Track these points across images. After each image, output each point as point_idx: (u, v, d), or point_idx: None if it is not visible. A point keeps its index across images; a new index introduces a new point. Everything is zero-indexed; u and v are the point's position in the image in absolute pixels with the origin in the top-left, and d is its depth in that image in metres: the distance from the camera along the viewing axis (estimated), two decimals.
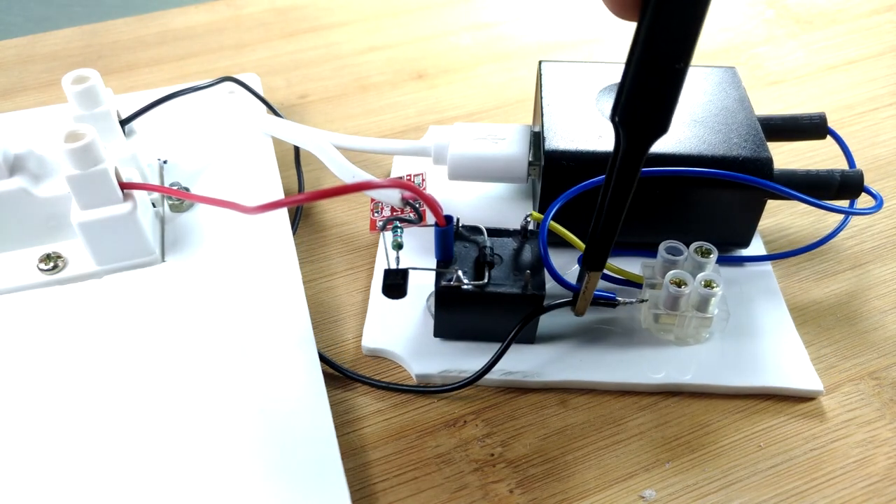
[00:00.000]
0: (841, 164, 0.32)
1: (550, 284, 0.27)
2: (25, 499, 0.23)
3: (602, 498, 0.24)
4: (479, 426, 0.26)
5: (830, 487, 0.25)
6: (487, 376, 0.27)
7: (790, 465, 0.25)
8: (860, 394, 0.27)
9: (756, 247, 0.32)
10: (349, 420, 0.26)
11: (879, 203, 0.30)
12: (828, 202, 0.29)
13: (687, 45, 0.19)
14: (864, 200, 0.31)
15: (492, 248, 0.27)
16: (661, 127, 0.21)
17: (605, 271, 0.28)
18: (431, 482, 0.25)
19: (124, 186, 0.27)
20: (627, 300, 0.28)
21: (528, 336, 0.28)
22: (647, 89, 0.20)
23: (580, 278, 0.26)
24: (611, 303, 0.28)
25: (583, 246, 0.27)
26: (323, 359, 0.27)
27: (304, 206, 0.35)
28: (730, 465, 0.25)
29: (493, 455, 0.26)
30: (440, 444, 0.26)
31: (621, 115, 0.21)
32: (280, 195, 0.33)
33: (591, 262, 0.25)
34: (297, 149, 0.37)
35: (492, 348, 0.28)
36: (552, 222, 0.27)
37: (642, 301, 0.28)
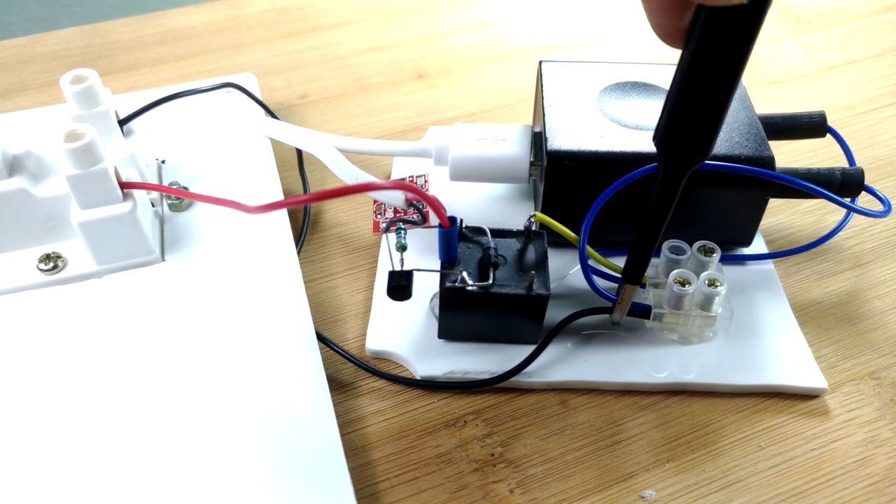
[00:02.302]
0: (841, 164, 0.32)
1: (555, 284, 0.27)
2: (27, 499, 0.23)
3: (602, 498, 0.24)
4: (480, 426, 0.26)
5: (830, 487, 0.25)
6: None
7: (790, 465, 0.25)
8: (860, 394, 0.27)
9: (757, 246, 0.32)
10: (350, 420, 0.26)
11: (888, 208, 0.30)
12: (838, 197, 0.29)
13: (730, 76, 0.19)
14: (865, 200, 0.31)
15: (496, 249, 0.27)
16: (701, 153, 0.21)
17: (609, 271, 0.28)
18: (432, 482, 0.25)
19: (124, 186, 0.27)
20: (662, 311, 0.28)
21: (531, 337, 0.28)
22: (688, 116, 0.20)
23: (619, 290, 0.26)
24: (646, 313, 0.28)
25: (598, 255, 0.27)
26: (334, 349, 0.28)
27: (311, 211, 0.35)
28: (730, 465, 0.25)
29: (493, 455, 0.26)
30: (440, 444, 0.26)
31: (661, 139, 0.21)
32: (279, 196, 0.33)
33: (631, 277, 0.25)
34: (299, 151, 0.36)
35: (496, 349, 0.28)
36: (589, 247, 0.27)
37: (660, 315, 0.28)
